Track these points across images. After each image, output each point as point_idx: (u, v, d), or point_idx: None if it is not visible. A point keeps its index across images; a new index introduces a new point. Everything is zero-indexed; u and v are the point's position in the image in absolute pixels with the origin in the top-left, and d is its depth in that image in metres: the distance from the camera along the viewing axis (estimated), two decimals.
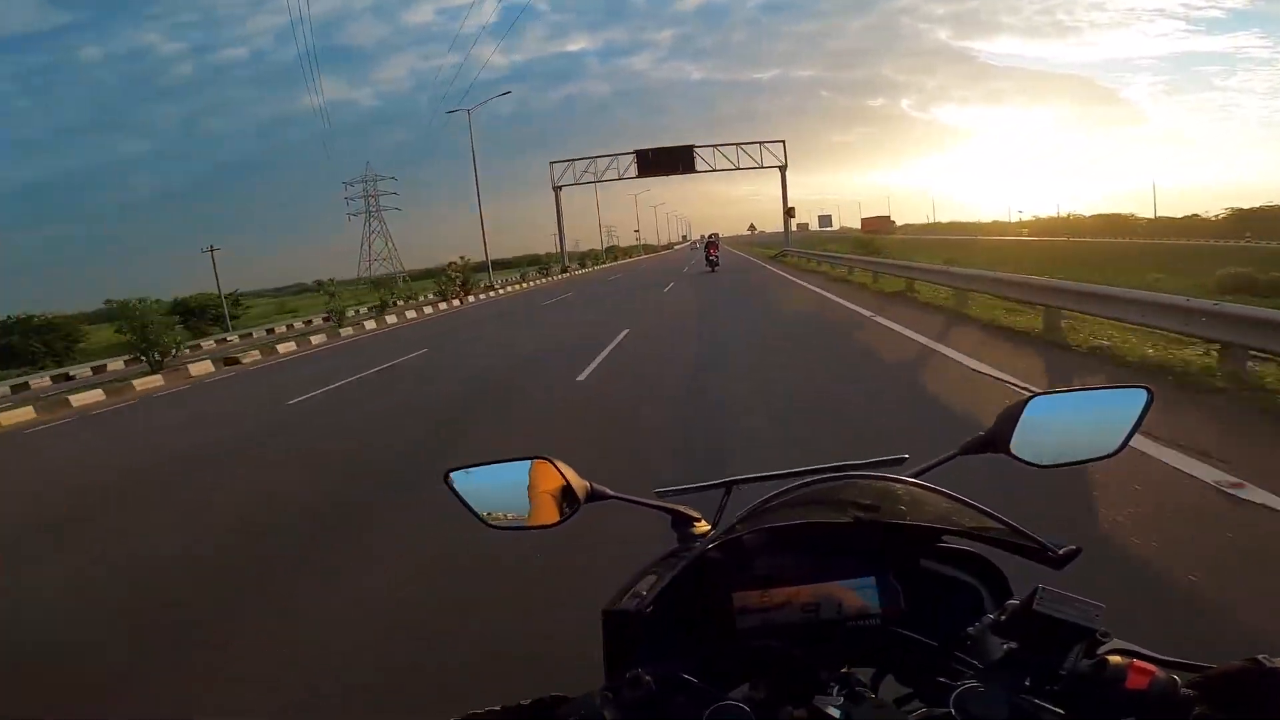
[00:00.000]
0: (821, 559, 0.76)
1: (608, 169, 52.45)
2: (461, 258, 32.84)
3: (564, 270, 49.32)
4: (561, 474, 0.86)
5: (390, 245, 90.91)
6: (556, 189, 53.10)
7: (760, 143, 51.93)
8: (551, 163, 53.16)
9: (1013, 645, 0.63)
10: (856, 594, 0.73)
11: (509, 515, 0.88)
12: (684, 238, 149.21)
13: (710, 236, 34.14)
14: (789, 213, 50.85)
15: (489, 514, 0.88)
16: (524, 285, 38.07)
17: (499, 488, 0.88)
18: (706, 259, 29.65)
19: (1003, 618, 0.64)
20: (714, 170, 51.77)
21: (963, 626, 0.70)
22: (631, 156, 51.35)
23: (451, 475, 0.88)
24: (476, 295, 31.02)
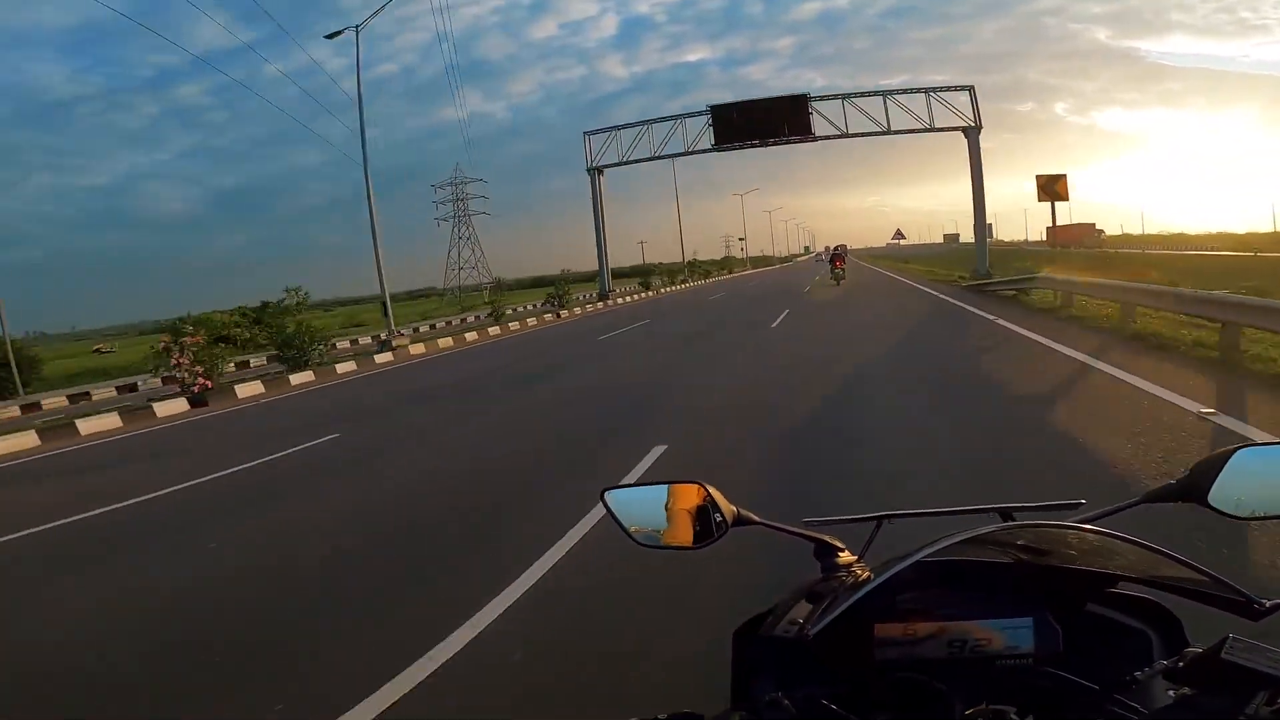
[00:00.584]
0: (976, 598, 0.74)
1: (668, 138, 30.82)
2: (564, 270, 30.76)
3: (603, 298, 33.38)
4: (711, 497, 0.89)
5: (478, 252, 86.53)
6: (594, 170, 32.70)
7: (931, 90, 27.15)
8: (586, 133, 32.76)
9: (1185, 691, 0.61)
10: (1007, 634, 0.71)
11: (658, 534, 0.92)
12: (806, 249, 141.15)
13: (837, 248, 32.24)
14: (979, 208, 27.32)
15: (637, 531, 0.93)
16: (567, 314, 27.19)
17: (650, 506, 0.93)
18: (831, 271, 28.91)
19: (1180, 664, 0.62)
20: (845, 135, 28.49)
21: (1127, 672, 0.68)
22: (705, 118, 29.98)
23: (606, 494, 0.94)
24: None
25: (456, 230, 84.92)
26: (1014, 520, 0.90)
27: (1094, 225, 59.83)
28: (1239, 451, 0.77)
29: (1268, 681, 0.55)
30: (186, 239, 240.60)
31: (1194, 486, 0.78)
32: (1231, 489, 0.75)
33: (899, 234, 61.84)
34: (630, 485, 0.96)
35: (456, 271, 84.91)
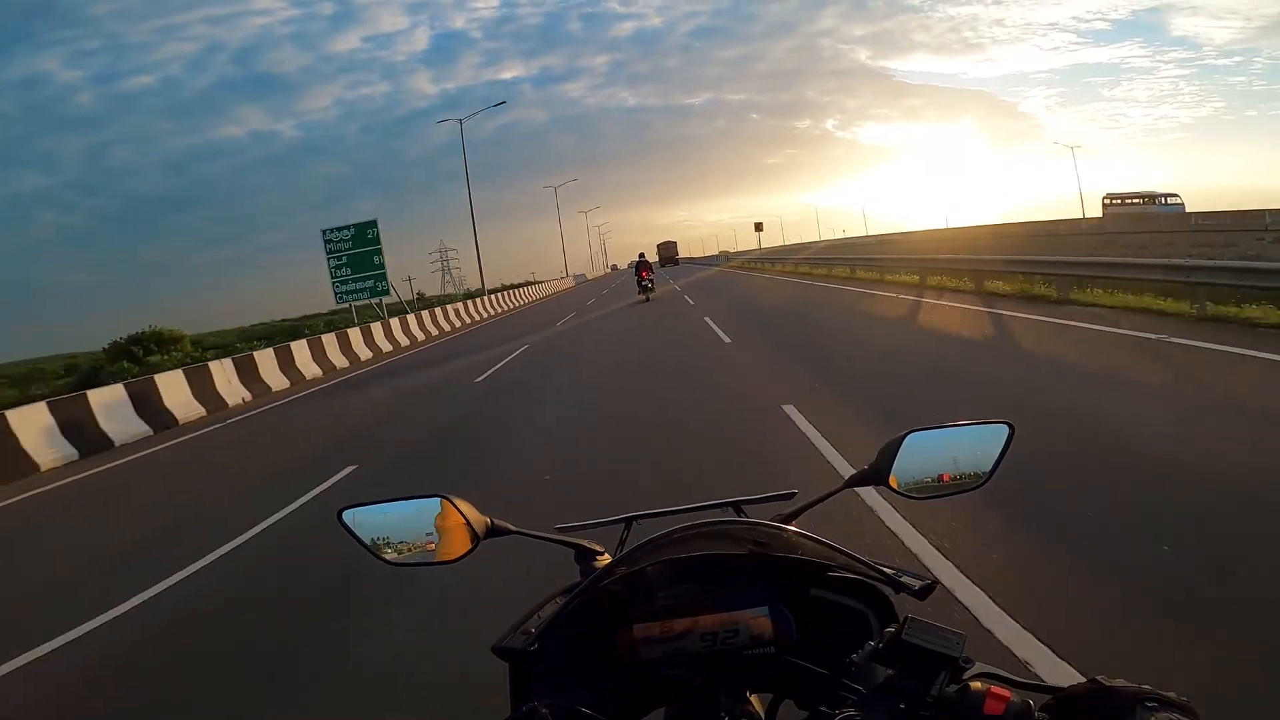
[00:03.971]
0: (719, 590, 0.78)
1: None
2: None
3: None
4: (459, 511, 0.84)
5: None
6: None
7: None
8: None
9: (890, 673, 0.66)
10: (753, 622, 0.76)
11: (406, 550, 0.85)
12: (614, 266, 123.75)
13: (639, 258, 24.52)
14: None
15: (385, 550, 0.86)
16: None
17: (396, 523, 0.86)
18: (639, 284, 22.72)
19: (880, 645, 0.68)
20: None
21: (852, 652, 0.74)
22: None
23: (344, 513, 0.86)
24: None
25: None
26: (744, 513, 0.97)
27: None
28: (909, 435, 0.85)
29: (945, 660, 0.62)
30: None
31: (880, 470, 0.87)
32: (908, 471, 0.86)
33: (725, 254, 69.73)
34: (369, 503, 0.86)
35: None
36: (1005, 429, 0.86)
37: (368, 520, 0.86)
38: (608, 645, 0.77)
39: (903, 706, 0.63)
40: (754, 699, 0.79)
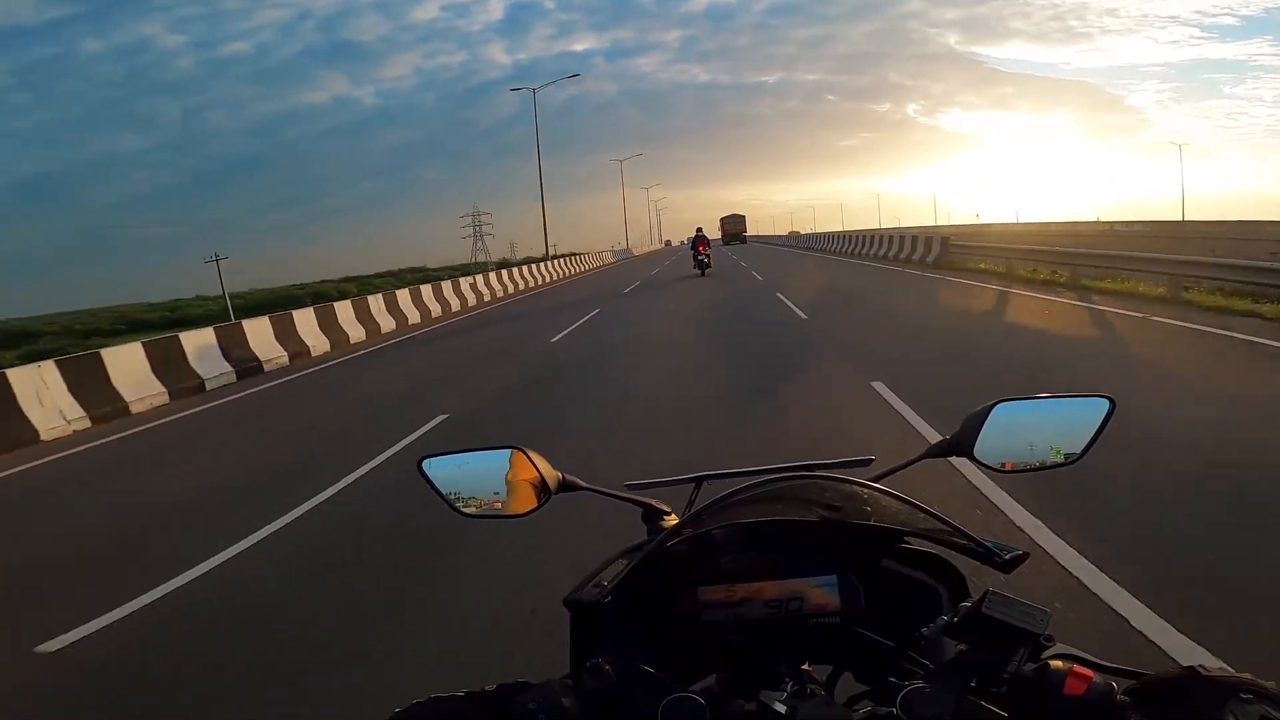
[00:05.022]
0: (786, 556, 0.77)
1: None
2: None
3: None
4: (534, 464, 0.86)
5: None
6: None
7: None
8: None
9: (962, 648, 0.64)
10: (819, 591, 0.74)
11: (480, 503, 0.88)
12: (667, 242, 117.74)
13: (697, 232, 25.87)
14: None
15: (459, 501, 0.88)
16: None
17: (472, 475, 0.88)
18: (695, 259, 24.26)
19: (955, 619, 0.66)
20: None
21: (921, 627, 0.72)
22: None
23: (424, 462, 0.89)
24: None
25: None
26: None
27: None
28: (998, 405, 0.82)
29: (1026, 636, 0.60)
30: None
31: (963, 441, 0.83)
32: (993, 442, 0.82)
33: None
34: (447, 453, 0.89)
35: None
36: (1105, 403, 0.81)
37: (445, 470, 0.89)
38: (671, 606, 0.77)
39: (974, 683, 0.61)
40: (813, 669, 0.78)
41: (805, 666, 0.73)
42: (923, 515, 0.74)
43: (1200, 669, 0.53)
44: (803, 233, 68.52)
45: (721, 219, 66.63)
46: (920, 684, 0.61)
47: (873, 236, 27.01)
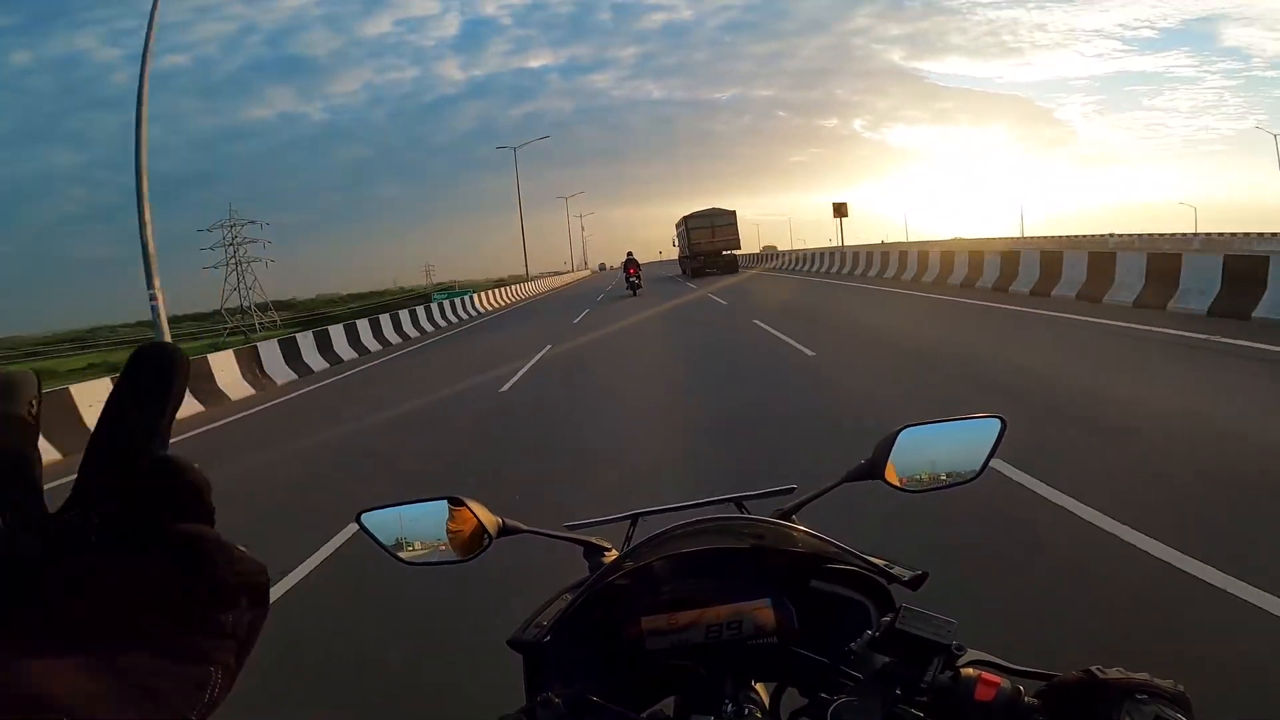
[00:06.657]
0: (723, 582, 0.81)
1: None
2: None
3: None
4: (472, 512, 0.88)
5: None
6: None
7: None
8: None
9: (887, 660, 0.69)
10: (755, 614, 0.79)
11: (422, 550, 0.89)
12: (602, 266, 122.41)
13: (628, 257, 27.86)
14: None
15: (401, 549, 0.89)
16: None
17: (412, 525, 0.89)
18: (627, 281, 26.82)
19: (878, 634, 0.70)
20: None
21: (851, 641, 0.76)
22: None
23: (362, 516, 0.89)
24: None
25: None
26: (745, 508, 1.01)
27: None
28: (903, 430, 0.87)
29: (937, 647, 0.65)
30: None
31: (875, 465, 0.89)
32: (902, 466, 0.88)
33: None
34: (383, 506, 0.90)
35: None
36: (997, 423, 0.89)
37: (385, 522, 0.90)
38: (616, 638, 0.80)
39: (898, 692, 0.65)
40: (759, 687, 0.82)
41: (755, 684, 0.78)
42: (833, 548, 0.80)
43: (1099, 671, 0.58)
44: (780, 248, 61.97)
45: (685, 219, 38.13)
46: (848, 697, 0.66)
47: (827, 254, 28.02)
